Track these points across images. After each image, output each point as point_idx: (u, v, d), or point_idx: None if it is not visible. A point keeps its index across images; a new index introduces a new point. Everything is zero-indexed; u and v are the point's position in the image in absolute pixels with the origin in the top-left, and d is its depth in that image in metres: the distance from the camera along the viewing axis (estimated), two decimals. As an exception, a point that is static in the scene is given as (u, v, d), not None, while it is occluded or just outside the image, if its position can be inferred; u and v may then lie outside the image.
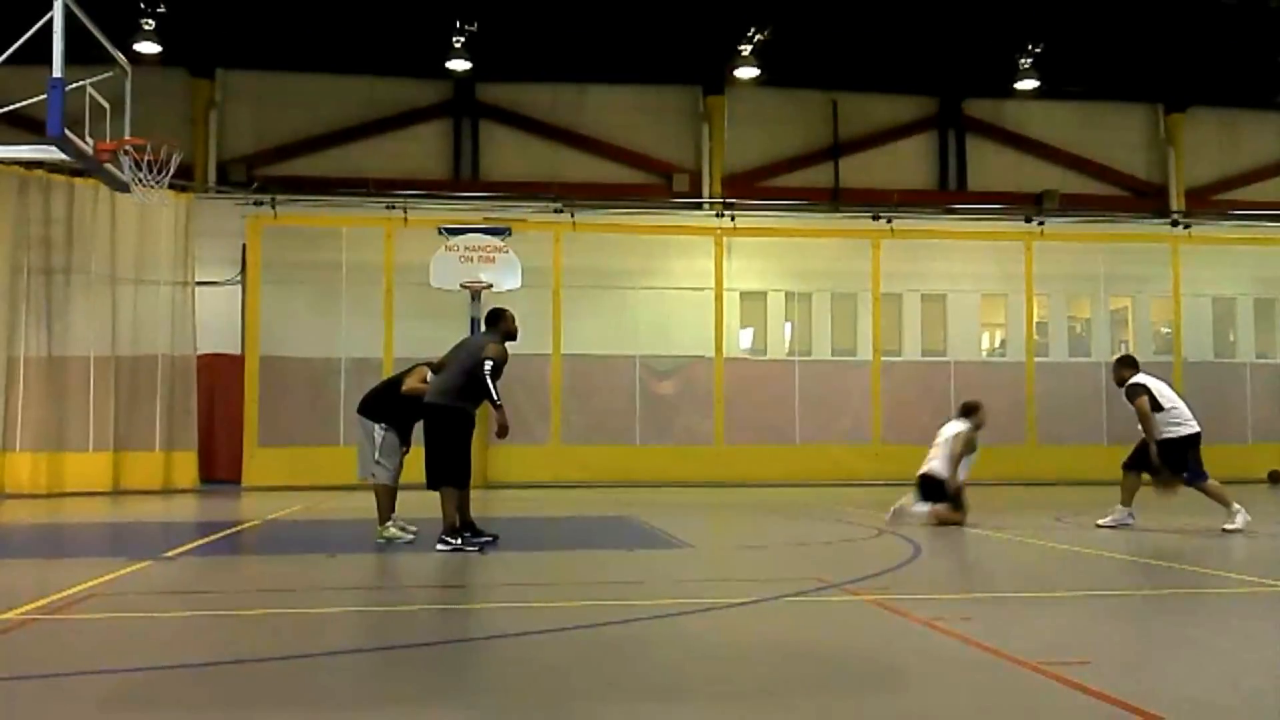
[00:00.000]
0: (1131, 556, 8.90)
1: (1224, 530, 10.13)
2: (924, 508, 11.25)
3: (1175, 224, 22.18)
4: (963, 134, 22.81)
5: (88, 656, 5.10)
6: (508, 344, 9.17)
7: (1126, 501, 10.86)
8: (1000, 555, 9.39)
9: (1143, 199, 23.08)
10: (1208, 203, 22.98)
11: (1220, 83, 21.77)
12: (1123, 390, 10.96)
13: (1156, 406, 10.67)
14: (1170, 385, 11.30)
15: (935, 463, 11.46)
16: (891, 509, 11.43)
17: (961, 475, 11.36)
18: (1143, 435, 10.77)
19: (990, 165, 22.81)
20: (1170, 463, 10.59)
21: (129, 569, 7.97)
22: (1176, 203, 22.89)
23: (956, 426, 11.61)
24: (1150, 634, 5.77)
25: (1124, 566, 8.44)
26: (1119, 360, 11.47)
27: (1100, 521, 10.86)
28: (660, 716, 4.00)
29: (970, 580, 7.79)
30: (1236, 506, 10.30)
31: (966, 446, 11.43)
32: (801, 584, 7.18)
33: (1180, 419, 10.70)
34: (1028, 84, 20.66)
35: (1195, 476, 10.58)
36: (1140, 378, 10.91)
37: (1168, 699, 4.11)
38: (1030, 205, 22.00)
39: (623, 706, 4.15)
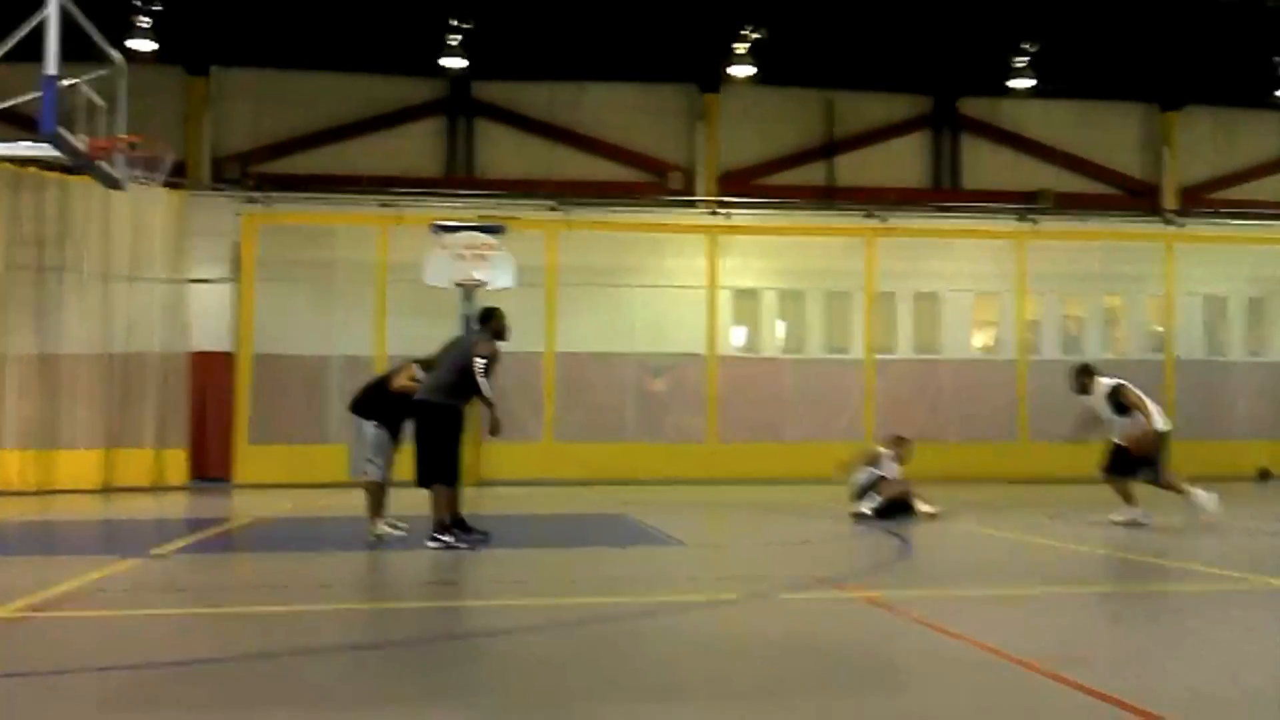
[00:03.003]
0: (1125, 554, 8.91)
1: (1203, 520, 10.43)
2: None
3: (1169, 222, 22.21)
4: (957, 132, 22.80)
5: (80, 654, 5.08)
6: (499, 343, 9.17)
7: (1131, 504, 10.91)
8: (994, 552, 9.39)
9: (1137, 198, 23.10)
10: (1202, 201, 22.99)
11: (1216, 81, 21.76)
12: (1105, 395, 11.00)
13: (1122, 408, 10.88)
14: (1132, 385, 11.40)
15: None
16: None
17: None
18: (1113, 439, 10.99)
19: (985, 164, 22.80)
20: (1138, 458, 10.76)
21: (120, 566, 7.94)
22: (1170, 201, 22.92)
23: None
24: (1147, 631, 5.78)
25: (1118, 564, 8.45)
26: (1080, 369, 11.55)
27: (1113, 518, 10.88)
28: (657, 715, 3.99)
29: (964, 577, 7.79)
30: (1195, 491, 10.74)
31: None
32: (796, 581, 7.18)
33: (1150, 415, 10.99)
34: (1023, 83, 20.64)
35: (1158, 475, 10.88)
36: (1110, 379, 11.18)
37: (1165, 696, 4.11)
38: (1025, 204, 22.01)
39: (619, 705, 4.14)
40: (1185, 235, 21.94)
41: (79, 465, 17.67)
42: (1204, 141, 23.26)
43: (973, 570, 8.26)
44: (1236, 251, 22.18)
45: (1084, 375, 11.41)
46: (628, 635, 5.48)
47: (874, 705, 4.14)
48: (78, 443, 17.80)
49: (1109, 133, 23.15)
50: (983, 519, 11.76)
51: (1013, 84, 20.77)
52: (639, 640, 5.36)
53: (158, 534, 10.98)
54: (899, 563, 8.27)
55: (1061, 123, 22.82)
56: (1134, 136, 23.37)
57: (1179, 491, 10.85)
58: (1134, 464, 10.89)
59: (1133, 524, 10.68)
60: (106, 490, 17.51)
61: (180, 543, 9.85)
